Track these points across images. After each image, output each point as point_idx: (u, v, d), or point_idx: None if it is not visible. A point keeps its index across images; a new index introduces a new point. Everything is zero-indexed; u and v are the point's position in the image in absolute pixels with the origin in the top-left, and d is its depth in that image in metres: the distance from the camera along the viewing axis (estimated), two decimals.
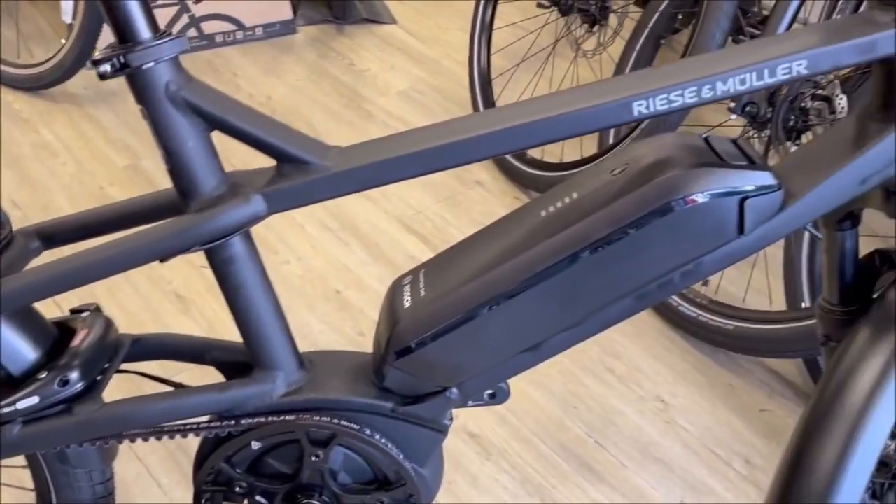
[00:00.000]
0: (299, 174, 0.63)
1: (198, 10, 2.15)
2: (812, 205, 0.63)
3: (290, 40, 2.34)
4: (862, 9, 1.19)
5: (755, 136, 1.35)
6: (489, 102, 1.83)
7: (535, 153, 1.73)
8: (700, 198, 0.62)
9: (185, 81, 0.61)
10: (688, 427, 1.28)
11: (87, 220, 0.73)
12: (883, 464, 0.92)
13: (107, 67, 0.58)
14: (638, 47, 1.52)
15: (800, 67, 0.59)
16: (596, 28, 1.64)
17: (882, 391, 0.69)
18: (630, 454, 1.23)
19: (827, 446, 0.68)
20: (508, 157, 1.76)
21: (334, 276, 1.53)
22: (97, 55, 0.58)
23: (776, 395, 1.33)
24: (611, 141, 1.55)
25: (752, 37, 1.47)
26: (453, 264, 0.70)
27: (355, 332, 1.41)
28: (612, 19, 1.62)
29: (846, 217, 0.71)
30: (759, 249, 0.66)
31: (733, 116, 1.33)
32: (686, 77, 0.60)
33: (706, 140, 0.66)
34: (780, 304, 1.33)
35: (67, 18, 1.84)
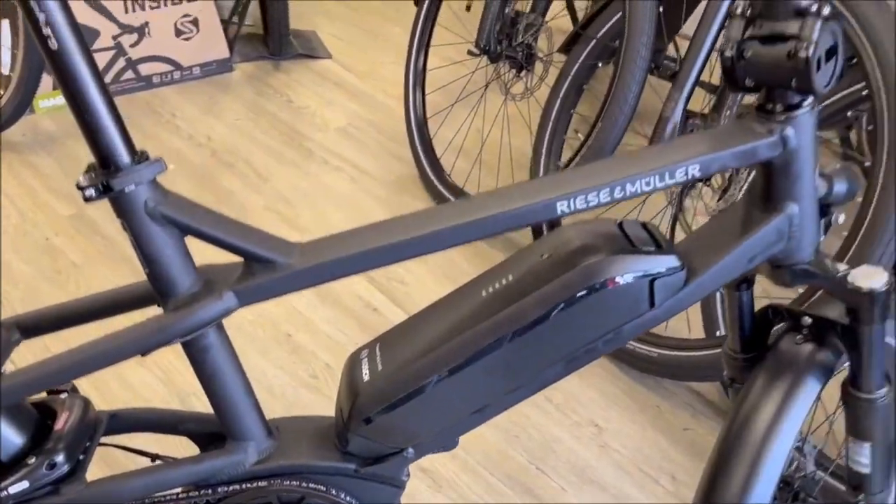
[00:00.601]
0: (266, 272, 0.71)
1: (134, 53, 2.18)
2: (710, 281, 0.74)
3: (228, 78, 2.38)
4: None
5: None
6: (426, 141, 1.93)
7: (471, 191, 1.83)
8: (618, 281, 0.72)
9: (161, 197, 0.67)
10: (620, 449, 1.39)
11: (65, 311, 0.79)
12: (785, 482, 1.05)
13: (91, 192, 0.64)
14: (562, 94, 1.64)
15: (694, 171, 0.70)
16: (523, 73, 1.75)
17: (777, 428, 0.81)
18: (568, 478, 1.34)
19: (734, 475, 0.81)
20: (447, 194, 1.85)
21: (285, 320, 1.59)
22: (82, 181, 0.65)
23: (699, 414, 1.46)
24: None
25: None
26: (405, 340, 0.79)
27: (308, 375, 1.48)
28: (538, 66, 1.73)
29: (743, 281, 0.83)
30: (669, 318, 0.76)
31: None
32: (601, 180, 0.70)
33: (620, 225, 0.77)
34: (698, 332, 1.46)
35: (5, 70, 1.85)
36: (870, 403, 0.81)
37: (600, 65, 1.64)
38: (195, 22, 2.23)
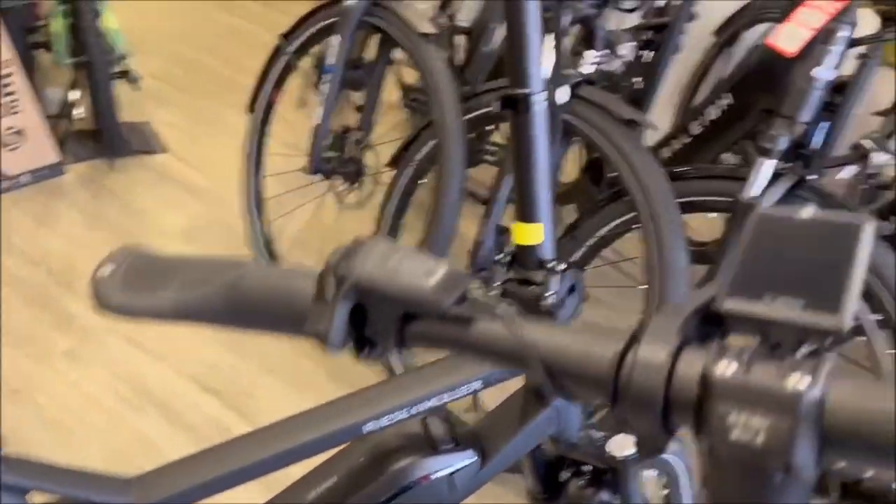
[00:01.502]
0: None
1: None
2: (500, 463, 0.89)
3: (60, 182, 2.35)
4: None
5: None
6: (269, 245, 2.01)
7: None
8: (427, 478, 0.85)
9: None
10: None
11: None
12: None
13: None
14: (391, 208, 1.77)
15: (477, 385, 0.84)
16: (356, 184, 1.87)
17: None
18: None
19: None
20: None
21: (138, 452, 1.62)
22: None
23: None
24: None
25: None
26: None
27: None
28: (369, 179, 1.86)
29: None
30: (469, 496, 0.91)
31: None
32: (401, 399, 0.83)
33: (424, 422, 0.90)
34: None
35: None
36: None
37: (426, 179, 1.78)
38: (20, 133, 2.19)
